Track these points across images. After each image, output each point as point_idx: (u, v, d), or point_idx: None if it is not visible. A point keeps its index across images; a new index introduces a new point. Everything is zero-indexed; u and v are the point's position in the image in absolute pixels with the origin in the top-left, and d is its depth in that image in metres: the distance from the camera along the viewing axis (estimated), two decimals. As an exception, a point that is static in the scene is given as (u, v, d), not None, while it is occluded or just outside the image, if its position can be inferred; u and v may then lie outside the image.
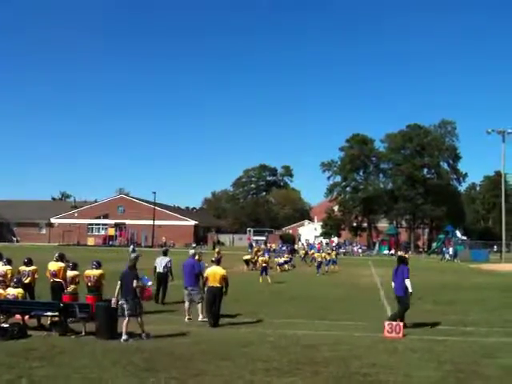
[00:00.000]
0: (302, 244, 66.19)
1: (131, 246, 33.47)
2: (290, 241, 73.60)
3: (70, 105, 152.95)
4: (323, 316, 14.37)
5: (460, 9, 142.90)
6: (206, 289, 12.82)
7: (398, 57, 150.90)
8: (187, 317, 13.16)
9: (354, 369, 8.68)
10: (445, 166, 79.73)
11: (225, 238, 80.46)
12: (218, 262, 13.36)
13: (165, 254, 17.31)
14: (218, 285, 12.50)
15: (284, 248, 52.89)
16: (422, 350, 10.31)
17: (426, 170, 79.31)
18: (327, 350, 10.01)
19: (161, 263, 16.81)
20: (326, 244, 69.36)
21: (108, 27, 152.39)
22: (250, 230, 78.82)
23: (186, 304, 13.36)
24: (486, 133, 52.83)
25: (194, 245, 64.38)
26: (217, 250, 29.78)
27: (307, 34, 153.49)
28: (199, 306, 13.27)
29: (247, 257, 33.23)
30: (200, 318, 13.11)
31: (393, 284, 12.97)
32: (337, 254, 39.75)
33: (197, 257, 14.24)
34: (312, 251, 44.91)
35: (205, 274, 12.96)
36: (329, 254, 35.47)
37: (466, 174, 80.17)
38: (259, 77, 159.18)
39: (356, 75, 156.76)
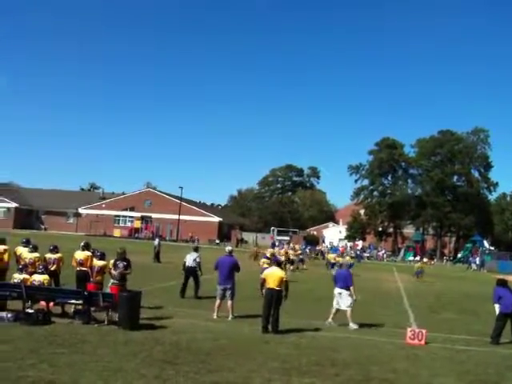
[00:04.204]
0: (326, 246, 65.82)
1: (157, 239, 33.68)
2: (313, 242, 73.32)
3: (104, 97, 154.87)
4: (344, 319, 14.25)
5: (501, 14, 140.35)
6: (264, 291, 12.27)
7: (435, 61, 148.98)
8: (215, 314, 13.12)
9: (373, 373, 8.59)
10: (476, 174, 78.51)
11: (248, 237, 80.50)
12: (278, 264, 12.89)
13: (195, 250, 17.54)
14: (277, 288, 11.83)
15: (307, 250, 52.63)
16: (443, 358, 10.16)
17: (455, 178, 78.18)
18: (347, 353, 9.93)
19: (190, 258, 16.95)
20: (350, 247, 68.93)
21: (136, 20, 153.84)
22: (273, 230, 78.71)
23: (218, 302, 13.27)
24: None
25: (217, 241, 64.76)
26: (255, 248, 29.52)
27: (341, 33, 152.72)
28: (229, 303, 13.21)
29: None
30: (230, 317, 13.07)
31: (504, 302, 12.29)
32: (357, 257, 39.55)
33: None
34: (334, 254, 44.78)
35: (263, 276, 12.49)
36: (352, 257, 35.42)
37: (497, 183, 78.84)
38: (292, 76, 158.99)
39: (390, 78, 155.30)
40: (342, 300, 13.30)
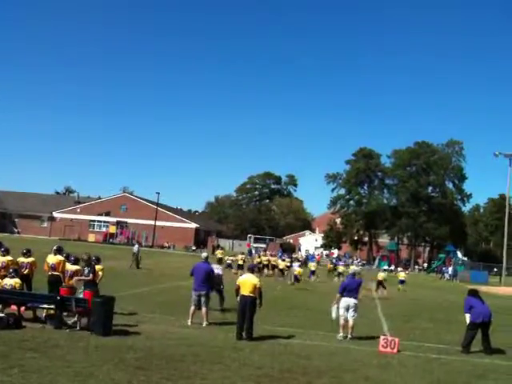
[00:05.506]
0: (302, 255, 65.90)
1: (136, 245, 33.28)
2: (290, 250, 73.46)
3: (80, 101, 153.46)
4: (318, 327, 14.31)
5: (478, 30, 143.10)
6: (238, 298, 12.13)
7: (410, 72, 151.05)
8: (189, 320, 13.05)
9: (346, 381, 8.65)
10: (450, 185, 79.84)
11: (225, 243, 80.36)
12: (252, 270, 12.78)
13: (219, 261, 16.84)
14: (251, 294, 11.76)
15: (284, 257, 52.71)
16: (415, 366, 10.27)
17: (430, 189, 79.44)
18: (321, 361, 9.97)
19: (215, 270, 16.14)
20: (326, 256, 69.29)
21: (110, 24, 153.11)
22: (250, 237, 78.73)
23: (192, 308, 13.18)
24: (494, 155, 52.98)
25: (193, 247, 64.55)
26: (219, 252, 29.48)
27: (320, 39, 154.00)
28: (204, 310, 13.14)
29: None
30: (204, 323, 13.01)
31: (475, 312, 12.44)
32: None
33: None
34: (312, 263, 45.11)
35: (237, 282, 12.35)
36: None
37: (470, 194, 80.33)
38: (269, 83, 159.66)
39: (367, 88, 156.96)
40: (349, 310, 12.75)
